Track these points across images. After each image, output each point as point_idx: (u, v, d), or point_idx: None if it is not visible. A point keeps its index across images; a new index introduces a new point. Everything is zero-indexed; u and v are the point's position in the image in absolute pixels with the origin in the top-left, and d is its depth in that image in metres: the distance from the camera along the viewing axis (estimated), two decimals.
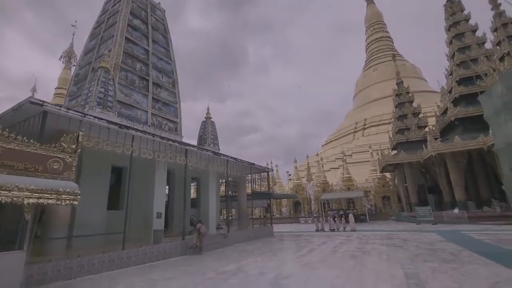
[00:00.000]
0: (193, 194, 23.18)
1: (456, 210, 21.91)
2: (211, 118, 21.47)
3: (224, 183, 23.16)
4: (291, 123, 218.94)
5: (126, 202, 12.99)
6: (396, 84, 32.40)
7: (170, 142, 11.97)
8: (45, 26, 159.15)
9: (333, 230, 20.07)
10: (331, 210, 31.45)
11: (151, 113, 18.70)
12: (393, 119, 31.86)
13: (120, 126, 9.76)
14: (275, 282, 6.50)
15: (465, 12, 29.40)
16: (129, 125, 12.30)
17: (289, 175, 48.05)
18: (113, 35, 18.55)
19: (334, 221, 20.71)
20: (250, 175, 19.57)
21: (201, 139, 20.59)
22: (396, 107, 31.27)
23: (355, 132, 67.90)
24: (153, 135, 11.26)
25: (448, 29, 30.07)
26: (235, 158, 16.58)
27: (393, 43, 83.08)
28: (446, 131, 27.63)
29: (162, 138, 11.66)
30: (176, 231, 14.90)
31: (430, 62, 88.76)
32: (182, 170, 14.91)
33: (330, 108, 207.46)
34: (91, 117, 8.86)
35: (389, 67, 72.11)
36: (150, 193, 12.87)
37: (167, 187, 18.09)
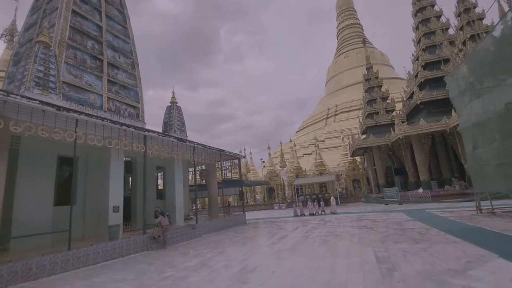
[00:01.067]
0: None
1: (420, 190, 22.91)
2: (176, 103, 20.01)
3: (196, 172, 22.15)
4: (265, 111, 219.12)
5: (73, 196, 11.62)
6: (366, 69, 32.77)
7: (124, 127, 10.62)
8: None
9: (313, 214, 19.95)
10: (300, 195, 31.69)
11: (107, 97, 16.86)
12: (363, 104, 32.37)
13: (58, 108, 8.28)
14: (239, 276, 5.82)
15: None
16: (78, 110, 10.77)
17: (263, 162, 47.83)
18: (57, 8, 16.18)
19: (314, 205, 20.68)
20: (220, 163, 18.70)
21: (167, 125, 19.16)
22: (365, 91, 31.73)
23: (327, 118, 69.15)
24: (102, 118, 9.85)
25: (415, 15, 30.62)
26: (202, 145, 15.54)
27: (363, 30, 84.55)
28: (412, 114, 28.57)
29: (114, 122, 10.28)
30: (141, 225, 13.75)
31: (396, 50, 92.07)
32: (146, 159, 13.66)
33: (304, 95, 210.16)
34: (18, 97, 7.33)
35: (359, 54, 73.57)
36: (105, 185, 11.52)
37: (130, 177, 16.73)
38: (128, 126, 10.95)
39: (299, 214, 20.30)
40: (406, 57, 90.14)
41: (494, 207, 11.42)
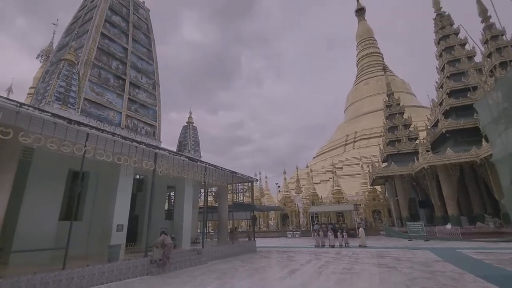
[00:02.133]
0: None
1: (449, 226, 20.83)
2: (193, 123, 20.13)
3: (208, 194, 21.66)
4: (282, 135, 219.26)
5: (78, 211, 11.42)
6: (387, 96, 31.96)
7: (135, 143, 10.52)
8: (34, 28, 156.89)
9: (333, 246, 18.38)
10: (316, 223, 29.97)
11: (126, 114, 17.26)
12: (383, 131, 31.19)
13: (70, 121, 8.30)
14: None
15: (454, 26, 29.52)
16: (90, 124, 10.86)
17: (278, 186, 46.62)
18: (88, 30, 17.28)
19: (336, 236, 19.21)
20: (232, 185, 18.15)
21: (181, 144, 19.16)
22: (386, 118, 30.67)
23: (346, 144, 67.48)
24: (113, 134, 9.80)
25: (438, 43, 30.06)
26: (214, 166, 15.17)
27: (383, 58, 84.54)
28: (437, 143, 26.99)
29: (125, 138, 10.21)
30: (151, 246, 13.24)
31: (418, 79, 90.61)
32: (157, 177, 13.45)
33: (321, 120, 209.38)
34: (30, 109, 7.40)
35: (379, 82, 73.04)
36: (111, 202, 11.27)
37: (139, 196, 16.51)
38: (139, 142, 10.85)
39: (320, 245, 18.92)
40: (428, 86, 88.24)
41: None
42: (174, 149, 18.90)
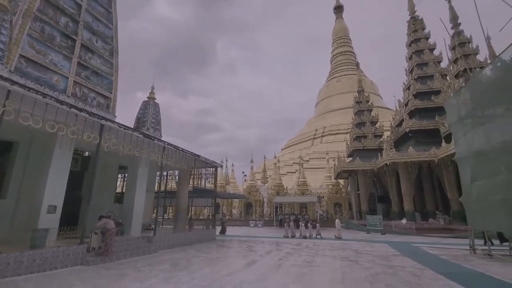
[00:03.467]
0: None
1: (404, 221, 21.75)
2: (154, 99, 18.24)
3: (170, 177, 20.09)
4: (253, 126, 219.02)
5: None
6: (357, 92, 32.45)
7: (74, 110, 8.75)
8: None
9: (305, 237, 17.93)
10: (279, 214, 29.95)
11: (74, 80, 14.92)
12: (351, 126, 31.74)
13: None
14: None
15: (426, 31, 30.48)
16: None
17: (245, 175, 46.05)
18: None
19: (307, 227, 18.83)
20: (194, 170, 16.83)
21: (139, 121, 17.26)
22: (355, 114, 31.18)
23: (314, 138, 68.76)
24: (45, 95, 7.98)
25: (409, 45, 30.92)
26: (175, 146, 13.73)
27: (355, 58, 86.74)
28: (399, 142, 28.03)
29: (61, 102, 8.41)
30: (89, 232, 11.57)
31: (384, 82, 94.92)
32: (106, 155, 11.72)
33: (292, 115, 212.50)
34: None
35: (350, 80, 75.00)
36: (42, 178, 9.44)
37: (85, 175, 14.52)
38: (80, 109, 9.09)
39: (289, 235, 18.45)
40: (392, 89, 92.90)
41: (491, 248, 10.17)
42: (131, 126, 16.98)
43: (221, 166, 19.02)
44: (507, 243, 10.77)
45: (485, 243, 10.71)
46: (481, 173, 10.08)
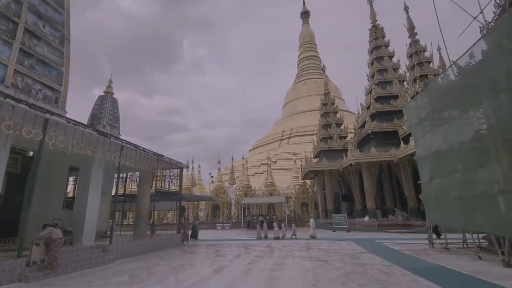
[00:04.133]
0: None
1: (366, 218, 22.72)
2: (112, 93, 16.73)
3: (132, 179, 18.50)
4: (220, 126, 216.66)
5: None
6: (324, 94, 33.46)
7: (10, 101, 7.40)
8: None
9: (278, 238, 17.60)
10: (247, 215, 29.67)
11: (15, 69, 12.98)
12: (318, 128, 32.58)
13: None
14: None
15: (386, 39, 32.43)
16: None
17: (212, 177, 44.95)
18: None
19: (280, 227, 18.53)
20: (157, 171, 15.67)
21: (94, 117, 15.66)
22: (322, 116, 32.07)
23: (281, 140, 69.79)
24: None
25: (371, 52, 32.61)
26: (134, 145, 12.57)
27: (321, 62, 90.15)
28: (362, 143, 29.33)
29: None
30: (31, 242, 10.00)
31: (345, 87, 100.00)
32: (53, 154, 10.26)
33: (259, 116, 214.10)
34: None
35: (316, 84, 77.63)
36: None
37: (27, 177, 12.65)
38: (17, 100, 7.74)
39: (262, 236, 18.02)
40: (352, 93, 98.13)
41: (448, 242, 10.81)
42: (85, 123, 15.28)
43: (187, 167, 18.06)
44: (457, 236, 11.55)
45: (430, 237, 11.37)
46: (439, 171, 10.68)
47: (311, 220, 19.09)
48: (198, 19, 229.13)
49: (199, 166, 46.89)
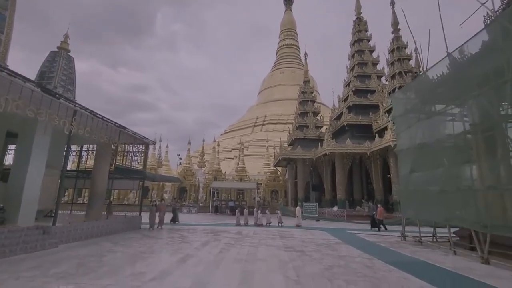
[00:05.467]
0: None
1: (335, 208, 22.93)
2: (68, 50, 14.21)
3: (90, 153, 16.29)
4: (191, 109, 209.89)
5: None
6: (303, 82, 32.84)
7: None
8: None
9: (261, 225, 16.63)
10: (215, 199, 28.74)
11: None
12: (295, 115, 32.10)
13: None
14: None
15: (368, 33, 32.36)
16: None
17: (180, 158, 42.87)
18: None
19: (264, 213, 17.63)
20: (117, 145, 13.78)
21: (43, 76, 13.20)
22: (300, 103, 31.54)
23: (255, 126, 68.94)
24: None
25: (352, 44, 32.43)
26: (92, 112, 10.64)
27: (300, 52, 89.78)
28: (336, 134, 29.41)
29: None
30: None
31: (319, 80, 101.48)
32: None
33: (233, 102, 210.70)
34: None
35: (293, 73, 77.30)
36: None
37: None
38: None
39: (242, 223, 16.94)
40: (327, 89, 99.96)
41: (422, 236, 10.77)
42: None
43: (153, 144, 16.32)
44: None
45: (403, 230, 11.35)
46: (422, 165, 10.45)
47: (297, 208, 18.40)
48: None
49: (167, 147, 44.38)
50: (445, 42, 9.07)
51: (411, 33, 12.30)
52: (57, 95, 9.15)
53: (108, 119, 11.62)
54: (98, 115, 10.89)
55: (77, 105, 9.87)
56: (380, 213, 15.41)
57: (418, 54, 24.79)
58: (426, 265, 7.20)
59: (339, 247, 9.76)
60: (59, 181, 11.33)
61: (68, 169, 17.04)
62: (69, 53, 14.30)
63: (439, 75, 10.15)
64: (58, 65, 13.32)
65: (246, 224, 17.00)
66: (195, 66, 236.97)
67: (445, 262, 7.53)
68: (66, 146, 10.47)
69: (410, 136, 11.27)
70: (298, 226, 16.80)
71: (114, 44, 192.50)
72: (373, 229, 15.41)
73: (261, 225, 16.77)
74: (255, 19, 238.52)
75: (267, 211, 18.69)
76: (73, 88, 13.88)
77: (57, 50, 13.92)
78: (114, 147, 13.90)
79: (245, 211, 17.81)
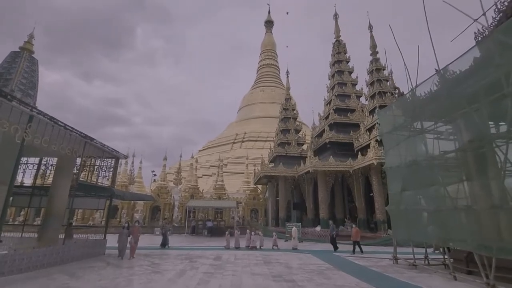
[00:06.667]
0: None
1: (318, 228, 22.11)
2: (32, 52, 12.74)
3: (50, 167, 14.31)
4: (167, 125, 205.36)
5: None
6: (285, 99, 32.87)
7: None
8: None
9: (254, 248, 15.40)
10: (192, 219, 27.03)
11: None
12: (276, 132, 31.73)
13: None
14: None
15: (347, 55, 33.55)
16: None
17: (154, 174, 40.55)
18: None
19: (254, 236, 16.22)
20: (82, 158, 12.14)
21: (0, 77, 11.52)
22: (281, 120, 31.31)
23: (234, 143, 67.99)
24: None
25: (332, 64, 33.34)
26: (52, 118, 9.20)
27: (279, 72, 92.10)
28: (318, 152, 29.25)
29: None
30: None
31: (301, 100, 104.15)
32: None
33: (212, 119, 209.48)
34: None
35: (273, 92, 78.62)
36: None
37: None
38: None
39: (234, 246, 15.52)
40: (306, 108, 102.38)
41: (416, 258, 10.17)
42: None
43: (125, 158, 14.76)
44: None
45: (395, 253, 10.78)
46: (413, 183, 10.07)
47: (294, 229, 17.06)
48: (155, 8, 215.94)
49: (141, 162, 41.77)
50: (435, 58, 9.00)
51: (385, 55, 12.54)
52: (8, 96, 7.74)
53: (72, 128, 10.18)
54: (59, 123, 9.46)
55: (33, 109, 8.45)
56: (356, 234, 14.67)
57: (405, 73, 25.82)
58: None
59: (332, 274, 8.83)
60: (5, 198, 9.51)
61: (24, 185, 14.93)
62: (33, 55, 12.80)
63: (427, 92, 10.08)
64: (18, 66, 11.76)
65: (238, 248, 15.57)
66: (173, 81, 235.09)
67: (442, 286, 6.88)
68: (17, 158, 8.84)
69: (399, 153, 10.94)
70: (295, 248, 15.58)
71: (90, 56, 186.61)
72: (337, 251, 14.79)
73: (255, 247, 15.59)
74: (236, 38, 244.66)
75: (260, 232, 17.37)
76: (34, 93, 12.28)
77: (18, 50, 12.39)
78: (79, 161, 12.24)
79: (236, 232, 16.60)
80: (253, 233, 16.58)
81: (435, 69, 9.90)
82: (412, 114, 10.55)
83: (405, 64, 10.44)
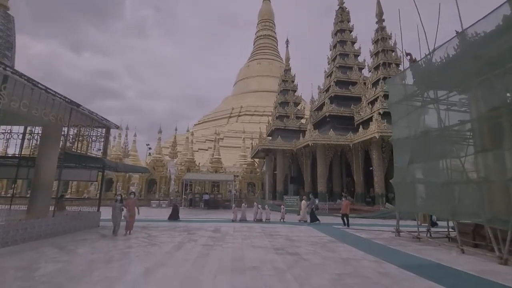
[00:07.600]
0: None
1: (316, 201, 22.08)
2: (7, 8, 11.33)
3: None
4: (161, 98, 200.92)
5: None
6: (284, 71, 31.52)
7: None
8: None
9: (260, 221, 15.20)
10: (189, 192, 26.86)
11: None
12: (275, 105, 30.78)
13: None
14: None
15: (350, 24, 31.71)
16: None
17: (149, 148, 39.90)
18: None
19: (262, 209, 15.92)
20: (68, 127, 11.27)
21: None
22: (280, 92, 30.24)
23: (230, 117, 66.83)
24: None
25: (335, 34, 31.56)
26: (29, 79, 8.20)
27: (277, 44, 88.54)
28: (317, 126, 28.57)
29: None
30: None
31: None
32: None
33: (205, 93, 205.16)
34: None
35: (271, 65, 76.04)
36: None
37: None
38: None
39: (238, 219, 15.40)
40: (303, 82, 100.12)
41: (419, 231, 9.98)
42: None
43: (116, 127, 13.86)
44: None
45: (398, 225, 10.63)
46: (423, 155, 9.56)
47: (303, 202, 16.45)
48: None
49: (135, 136, 40.84)
50: (459, 16, 8.08)
51: (400, 21, 11.50)
52: None
53: (56, 92, 9.22)
54: (39, 85, 8.48)
55: (7, 68, 7.45)
56: (345, 207, 14.36)
57: (397, 48, 24.66)
58: (446, 270, 6.17)
59: (336, 246, 8.57)
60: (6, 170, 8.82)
61: (8, 155, 14.16)
62: (8, 11, 11.38)
63: (443, 58, 9.24)
64: None
65: (245, 220, 15.43)
66: (166, 54, 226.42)
67: (460, 263, 6.60)
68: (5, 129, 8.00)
69: (409, 124, 10.34)
70: (304, 221, 15.34)
71: (77, 26, 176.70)
72: (313, 222, 14.74)
73: (261, 220, 15.45)
74: (231, 9, 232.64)
75: (266, 206, 17.14)
76: (11, 54, 11.05)
77: None
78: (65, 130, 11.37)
79: (243, 205, 16.56)
80: (259, 205, 16.28)
81: (455, 31, 9.03)
82: (426, 82, 9.80)
83: (422, 24, 9.46)
